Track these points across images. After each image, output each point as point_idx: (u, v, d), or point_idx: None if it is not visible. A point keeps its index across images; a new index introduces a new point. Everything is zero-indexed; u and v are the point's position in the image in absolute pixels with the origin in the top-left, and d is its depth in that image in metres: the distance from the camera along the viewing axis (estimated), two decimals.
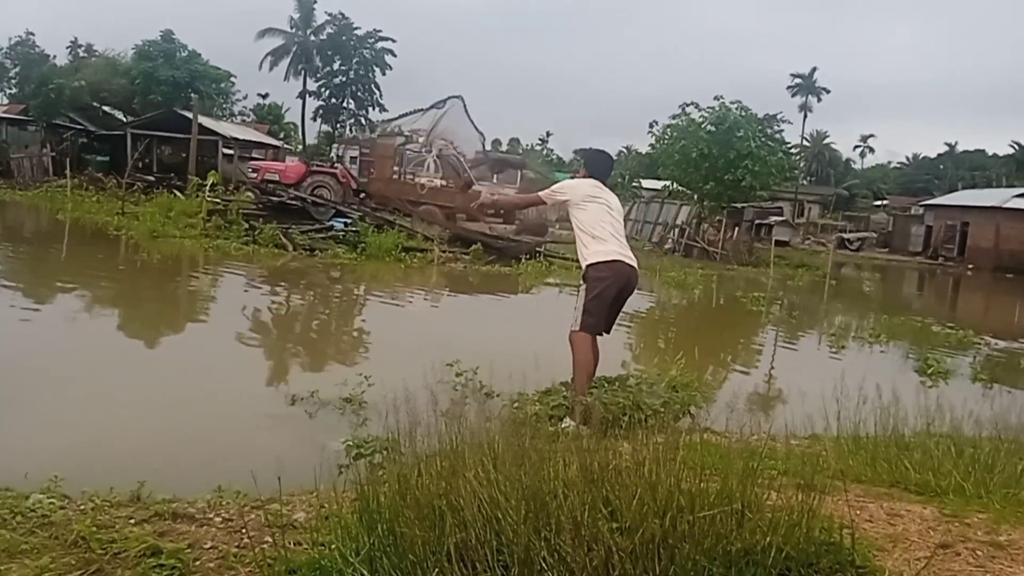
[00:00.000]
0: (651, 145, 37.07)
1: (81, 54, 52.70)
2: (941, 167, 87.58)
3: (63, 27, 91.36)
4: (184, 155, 33.17)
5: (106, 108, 43.36)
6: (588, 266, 6.13)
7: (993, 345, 14.00)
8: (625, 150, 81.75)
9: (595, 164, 6.55)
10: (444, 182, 31.89)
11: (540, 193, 6.52)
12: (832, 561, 2.81)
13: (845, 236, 51.77)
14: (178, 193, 25.06)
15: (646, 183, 48.29)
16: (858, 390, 6.18)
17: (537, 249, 21.27)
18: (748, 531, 2.77)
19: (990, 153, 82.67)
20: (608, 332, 6.29)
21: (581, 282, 6.21)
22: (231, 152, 36.93)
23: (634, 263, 6.23)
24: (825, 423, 5.37)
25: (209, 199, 21.30)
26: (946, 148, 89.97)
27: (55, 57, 45.85)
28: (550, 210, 6.44)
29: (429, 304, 13.76)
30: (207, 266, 16.24)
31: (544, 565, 2.60)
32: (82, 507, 3.74)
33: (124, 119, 41.27)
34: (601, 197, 6.23)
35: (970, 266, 43.63)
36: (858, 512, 3.38)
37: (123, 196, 24.59)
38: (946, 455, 4.42)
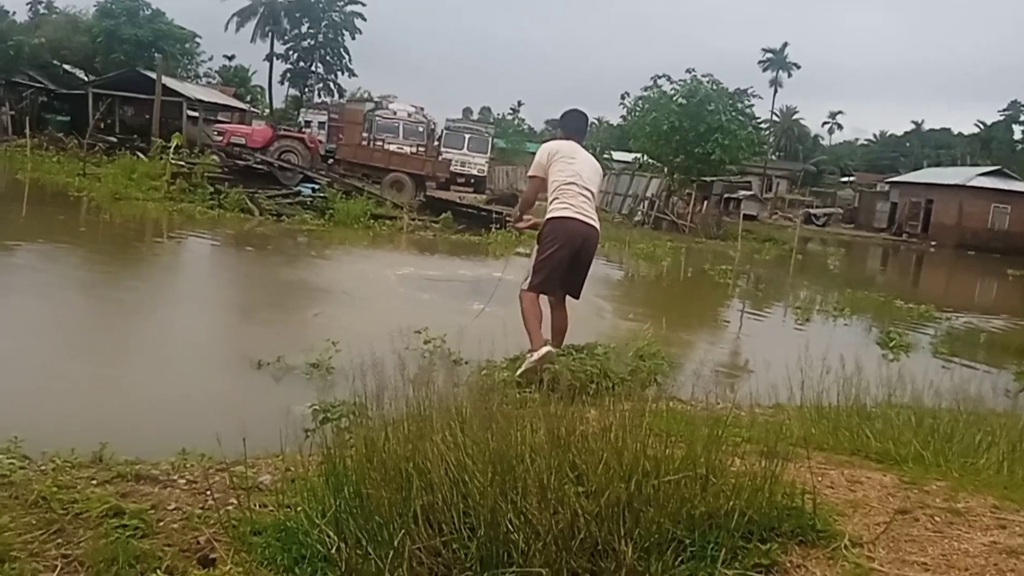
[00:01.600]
0: (623, 117, 37.13)
1: (41, 11, 51.09)
2: (907, 145, 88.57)
3: None
4: (147, 116, 32.49)
5: (67, 67, 42.24)
6: (545, 221, 6.04)
7: (953, 320, 14.27)
8: (597, 121, 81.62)
9: (567, 122, 6.47)
10: (413, 149, 31.66)
11: (529, 176, 6.33)
12: (794, 525, 2.87)
13: (812, 211, 52.37)
14: (141, 155, 24.58)
15: (617, 155, 48.28)
16: (822, 361, 6.26)
17: (507, 219, 21.19)
18: (712, 496, 2.82)
19: (955, 132, 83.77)
20: (575, 296, 6.27)
21: (538, 232, 6.11)
22: (196, 114, 36.25)
23: (594, 223, 6.10)
24: (789, 392, 5.44)
25: (173, 161, 20.94)
26: (912, 126, 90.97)
27: (14, 14, 44.27)
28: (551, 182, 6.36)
29: (397, 271, 13.68)
30: (171, 230, 16.00)
31: (510, 527, 2.61)
32: (43, 468, 3.69)
33: (86, 78, 40.24)
34: (567, 155, 6.09)
35: (933, 243, 44.39)
36: (820, 478, 3.43)
37: (84, 157, 24.10)
38: (906, 425, 4.51)
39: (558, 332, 6.23)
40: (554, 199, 6.04)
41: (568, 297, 6.33)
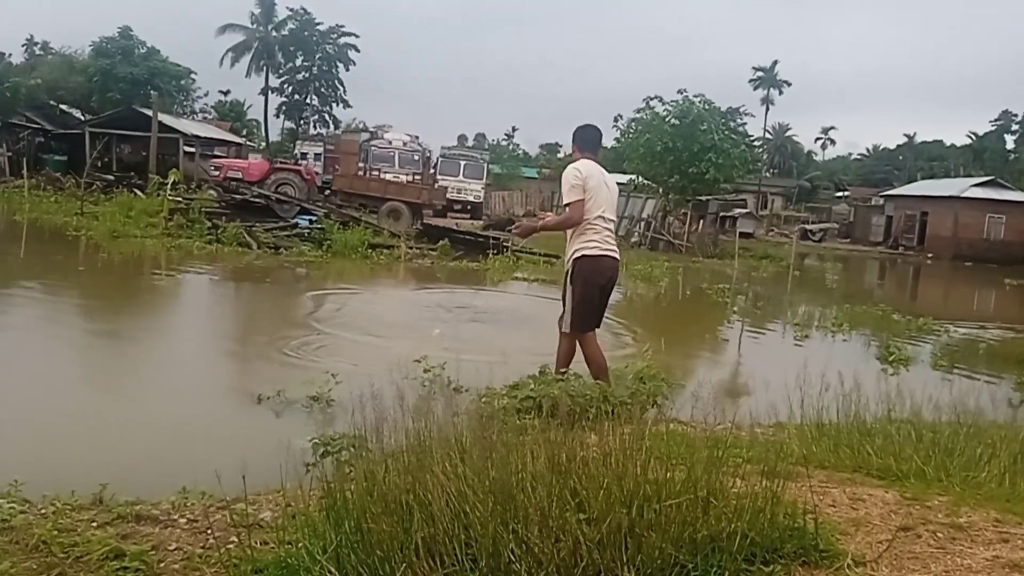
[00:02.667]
0: (616, 139, 37.20)
1: (37, 52, 51.64)
2: (900, 158, 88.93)
3: (18, 25, 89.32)
4: (144, 153, 32.70)
5: (63, 107, 42.50)
6: (575, 260, 5.99)
7: (952, 332, 14.26)
8: None
9: (583, 140, 6.37)
10: (409, 177, 31.80)
11: (567, 204, 6.06)
12: (796, 546, 2.85)
13: (808, 227, 52.48)
14: (138, 192, 24.66)
15: (612, 177, 48.37)
16: (821, 378, 6.25)
17: (504, 244, 21.26)
18: (714, 518, 2.81)
19: (948, 144, 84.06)
20: (599, 325, 6.25)
21: (568, 270, 6.07)
22: (192, 150, 36.46)
23: (617, 254, 6.12)
24: (789, 411, 5.43)
25: (170, 198, 21.02)
26: (905, 139, 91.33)
27: (10, 55, 44.81)
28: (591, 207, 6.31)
29: (396, 300, 13.70)
30: (169, 266, 16.02)
31: (512, 557, 2.60)
32: (43, 511, 3.67)
33: (82, 117, 40.50)
34: (597, 181, 6.03)
35: (929, 255, 44.45)
36: (821, 497, 3.42)
37: (82, 196, 24.17)
38: (907, 440, 4.50)
39: (601, 370, 6.13)
40: (584, 233, 5.97)
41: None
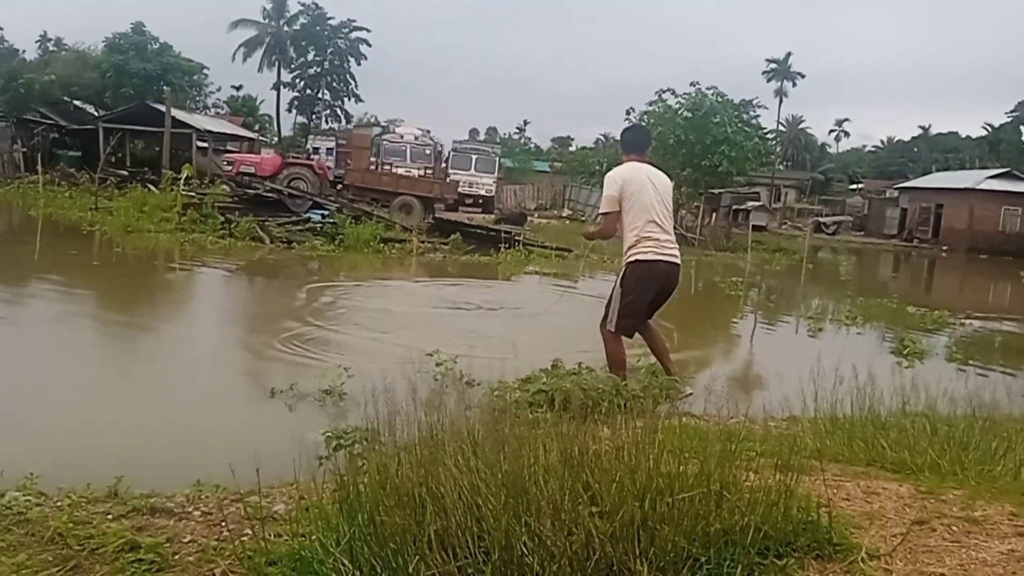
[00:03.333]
0: None
1: (51, 48, 51.75)
2: (915, 150, 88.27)
3: (32, 21, 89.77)
4: (157, 149, 32.79)
5: (77, 102, 42.68)
6: (628, 263, 5.95)
7: (967, 325, 14.17)
8: (603, 137, 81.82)
9: (628, 142, 6.36)
10: (421, 172, 31.81)
11: (602, 212, 6.14)
12: (810, 539, 2.85)
13: (821, 220, 52.23)
14: (152, 187, 24.78)
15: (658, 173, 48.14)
16: (835, 371, 6.22)
17: (516, 238, 21.25)
18: (727, 512, 2.80)
19: (963, 135, 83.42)
20: (630, 336, 6.18)
21: (621, 272, 6.06)
22: (205, 145, 36.57)
23: (675, 259, 6.00)
24: (802, 404, 5.41)
25: (184, 193, 21.09)
26: (920, 131, 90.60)
27: (24, 52, 44.96)
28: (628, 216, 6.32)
29: (409, 293, 13.72)
30: (183, 260, 16.09)
31: (525, 550, 2.60)
32: (59, 504, 3.70)
33: (96, 113, 40.66)
34: (639, 184, 5.97)
35: (944, 248, 44.16)
36: (835, 491, 3.41)
37: (96, 191, 24.29)
38: (921, 433, 4.47)
39: (662, 353, 6.10)
40: (634, 238, 5.93)
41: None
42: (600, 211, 6.04)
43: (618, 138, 6.52)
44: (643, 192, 5.95)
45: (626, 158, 6.26)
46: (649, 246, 5.88)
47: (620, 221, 6.04)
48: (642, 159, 6.26)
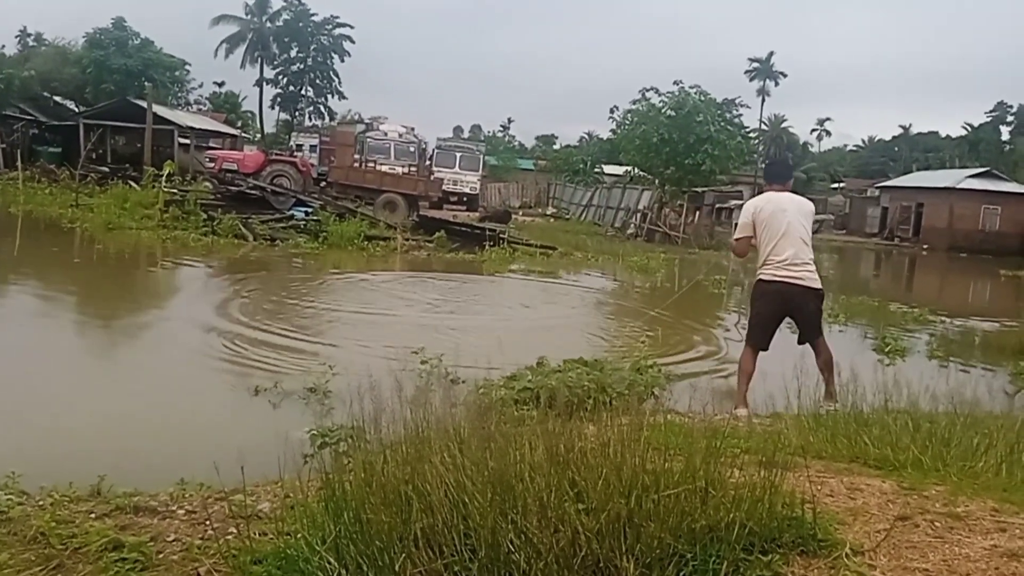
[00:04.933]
0: (612, 131, 37.21)
1: (30, 43, 51.28)
2: (896, 149, 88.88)
3: (11, 16, 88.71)
4: (139, 145, 32.52)
5: (57, 98, 42.28)
6: (755, 283, 6.42)
7: (948, 322, 14.29)
8: (587, 136, 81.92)
9: (771, 174, 6.83)
10: (405, 169, 31.72)
11: (736, 238, 6.58)
12: (794, 535, 2.86)
13: None
14: (133, 184, 24.55)
15: (608, 168, 48.37)
16: (818, 369, 6.29)
17: (500, 236, 21.24)
18: (712, 508, 2.81)
19: (943, 135, 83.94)
20: (811, 342, 6.37)
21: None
22: (187, 141, 36.29)
23: (800, 281, 6.20)
24: (786, 401, 5.44)
25: (165, 189, 20.94)
26: (900, 131, 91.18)
27: (3, 47, 44.25)
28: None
29: (394, 292, 13.68)
30: (165, 258, 15.99)
31: (511, 547, 2.60)
32: (41, 503, 3.67)
33: (76, 109, 40.29)
34: (773, 210, 6.29)
35: (925, 246, 44.49)
36: (819, 487, 3.43)
37: (77, 188, 24.07)
38: (904, 430, 4.50)
39: (825, 367, 6.29)
40: (762, 260, 6.32)
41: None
42: (735, 236, 6.53)
43: (764, 172, 7.20)
44: (775, 219, 6.27)
45: (767, 188, 6.66)
46: (770, 268, 6.25)
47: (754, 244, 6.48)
48: (784, 188, 6.63)
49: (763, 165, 7.53)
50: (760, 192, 6.74)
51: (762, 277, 6.29)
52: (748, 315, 6.44)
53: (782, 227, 6.22)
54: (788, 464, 3.28)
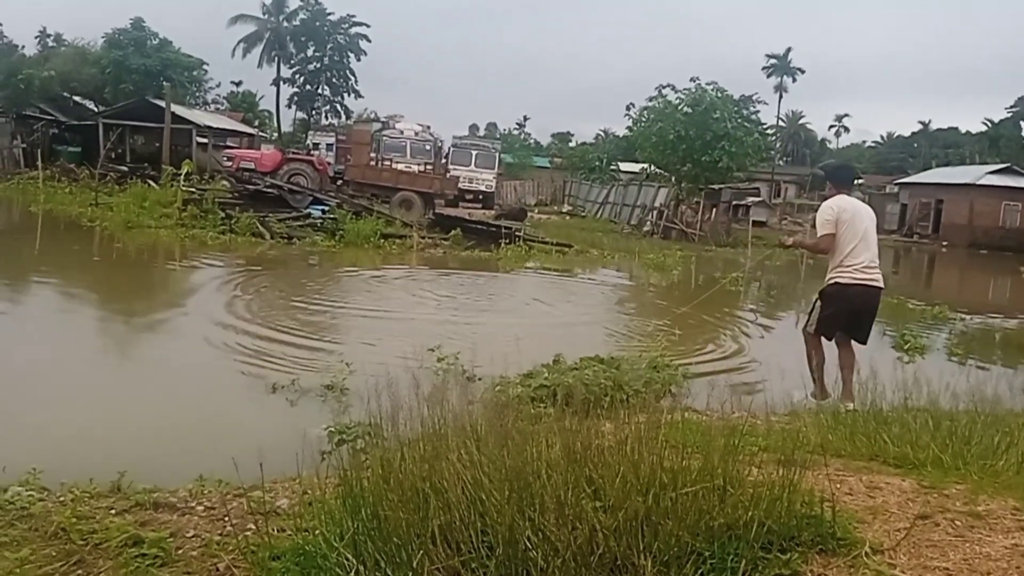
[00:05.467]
0: (628, 128, 37.01)
1: (50, 43, 51.64)
2: (915, 145, 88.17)
3: (31, 16, 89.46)
4: (157, 144, 32.73)
5: (77, 98, 42.63)
6: (829, 282, 6.54)
7: (968, 320, 14.17)
8: (603, 133, 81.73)
9: (840, 179, 6.98)
10: (421, 167, 31.76)
11: (820, 237, 6.64)
12: (813, 534, 2.84)
13: None
14: (152, 183, 24.73)
15: (624, 166, 48.26)
16: (836, 366, 6.26)
17: (516, 233, 21.23)
18: (730, 506, 2.80)
19: (963, 131, 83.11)
20: (862, 342, 6.55)
21: (824, 287, 6.59)
22: (205, 141, 36.50)
23: (873, 282, 6.47)
24: (805, 399, 5.41)
25: (184, 188, 21.06)
26: (920, 126, 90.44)
27: (23, 47, 44.85)
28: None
29: (410, 290, 13.71)
30: (183, 256, 16.09)
31: (528, 544, 2.60)
32: (62, 499, 3.70)
33: (95, 109, 40.59)
34: (852, 213, 6.50)
35: (944, 243, 44.09)
36: (838, 486, 3.41)
37: (96, 187, 24.26)
38: (924, 428, 4.47)
39: (847, 367, 6.49)
40: (839, 262, 6.48)
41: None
42: (820, 232, 6.58)
43: (827, 174, 7.48)
44: (855, 221, 6.49)
45: (835, 191, 6.82)
46: (849, 271, 6.43)
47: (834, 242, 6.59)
48: (850, 192, 6.91)
49: (819, 169, 8.02)
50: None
51: (840, 280, 6.45)
52: (818, 311, 6.53)
53: (860, 231, 6.46)
54: (807, 462, 3.25)
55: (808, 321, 6.67)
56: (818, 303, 6.59)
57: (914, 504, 3.29)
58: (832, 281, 6.52)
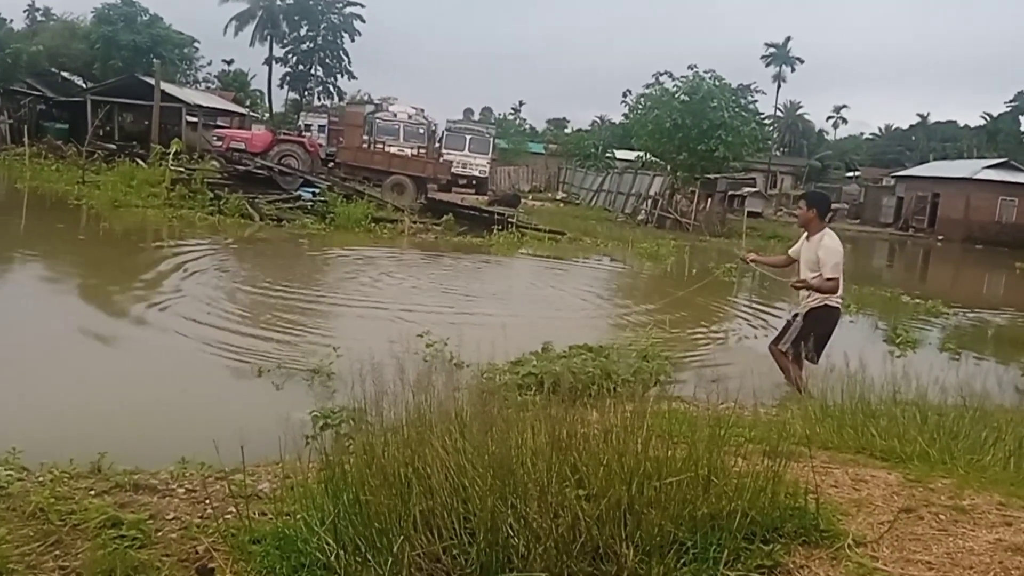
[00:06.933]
0: (624, 115, 37.00)
1: (39, 18, 51.29)
2: (913, 138, 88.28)
3: None
4: (146, 123, 32.52)
5: (65, 74, 42.33)
6: (819, 306, 6.79)
7: (961, 315, 14.23)
8: (599, 120, 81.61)
9: (824, 208, 7.26)
10: (414, 151, 31.65)
11: (830, 279, 6.76)
12: (797, 525, 2.86)
13: None
14: (140, 162, 24.62)
15: (620, 154, 48.21)
16: (826, 359, 6.29)
17: (509, 220, 21.20)
18: (714, 496, 2.82)
19: (961, 124, 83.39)
20: (816, 361, 6.66)
21: (806, 309, 6.83)
22: (195, 120, 36.33)
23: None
24: (793, 391, 5.43)
25: (173, 168, 20.96)
26: (918, 119, 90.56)
27: (11, 21, 44.38)
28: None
29: (400, 275, 13.70)
30: (170, 236, 16.02)
31: (510, 531, 2.62)
32: (41, 479, 3.70)
33: (84, 85, 40.36)
34: (840, 244, 6.88)
35: (940, 237, 44.24)
36: (823, 477, 3.43)
37: (83, 164, 24.12)
38: (912, 422, 4.50)
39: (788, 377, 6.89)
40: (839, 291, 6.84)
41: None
42: (830, 275, 6.70)
43: (814, 200, 7.34)
44: (843, 256, 6.89)
45: (822, 223, 7.05)
46: (838, 297, 6.88)
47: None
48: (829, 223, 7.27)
49: (810, 191, 8.04)
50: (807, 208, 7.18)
51: (833, 304, 6.85)
52: (798, 329, 6.77)
53: (842, 262, 6.89)
54: (793, 454, 3.28)
55: (783, 339, 6.91)
56: (799, 322, 6.85)
57: (899, 497, 3.31)
58: (821, 304, 6.81)
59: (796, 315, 7.07)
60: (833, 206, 46.22)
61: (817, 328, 6.72)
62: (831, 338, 6.88)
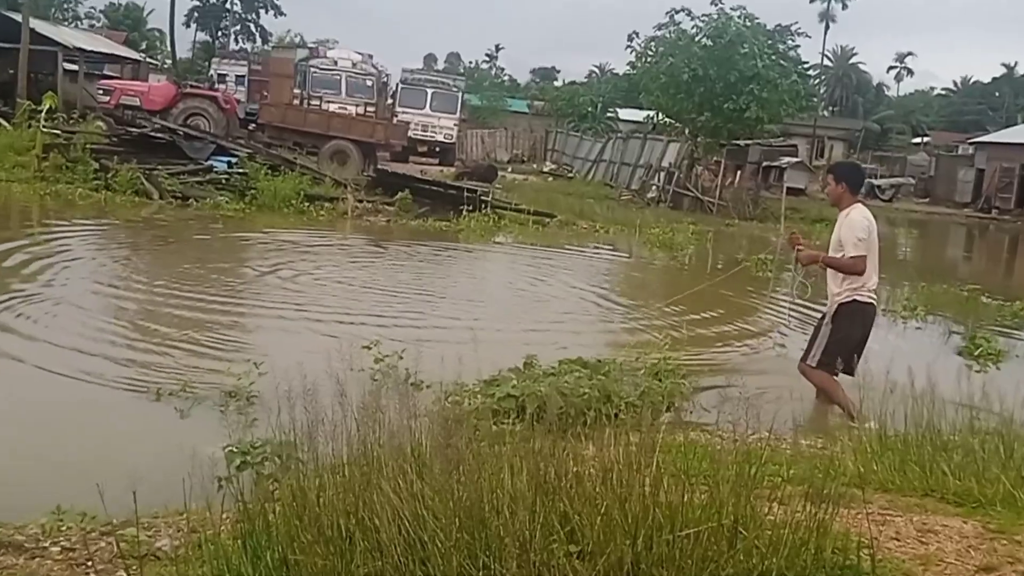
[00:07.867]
0: (630, 64, 37.02)
1: None
2: (996, 95, 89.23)
3: None
4: (11, 71, 32.24)
5: None
6: (847, 302, 6.94)
7: None
8: (597, 70, 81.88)
9: (857, 182, 7.47)
10: (360, 109, 31.59)
11: (854, 257, 6.90)
12: None
13: (875, 182, 52.62)
14: (3, 122, 24.41)
15: (624, 113, 48.41)
16: (886, 376, 6.31)
17: (483, 198, 21.21)
18: (743, 553, 2.83)
19: None
20: (851, 374, 6.75)
21: (832, 309, 6.98)
22: (75, 68, 36.07)
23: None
24: (843, 417, 5.47)
25: (45, 130, 20.81)
26: (1003, 70, 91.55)
27: None
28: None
29: (341, 269, 13.68)
30: (42, 219, 15.91)
31: None
32: None
33: None
34: (872, 224, 7.01)
35: None
36: (881, 528, 3.46)
37: None
38: (993, 457, 4.54)
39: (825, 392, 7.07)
40: (861, 281, 6.94)
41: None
42: (855, 253, 6.86)
43: (843, 173, 7.46)
44: (874, 237, 7.01)
45: (852, 198, 7.19)
46: (868, 289, 6.99)
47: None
48: (864, 200, 7.43)
49: (834, 165, 7.98)
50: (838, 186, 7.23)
51: (862, 299, 6.95)
52: (827, 336, 6.93)
53: (875, 247, 7.01)
54: (843, 498, 3.30)
55: (811, 353, 7.05)
56: (829, 327, 6.98)
57: (977, 552, 3.35)
58: (849, 299, 6.93)
59: (823, 317, 7.19)
60: (896, 180, 46.70)
61: (850, 330, 6.86)
62: (867, 343, 6.96)
